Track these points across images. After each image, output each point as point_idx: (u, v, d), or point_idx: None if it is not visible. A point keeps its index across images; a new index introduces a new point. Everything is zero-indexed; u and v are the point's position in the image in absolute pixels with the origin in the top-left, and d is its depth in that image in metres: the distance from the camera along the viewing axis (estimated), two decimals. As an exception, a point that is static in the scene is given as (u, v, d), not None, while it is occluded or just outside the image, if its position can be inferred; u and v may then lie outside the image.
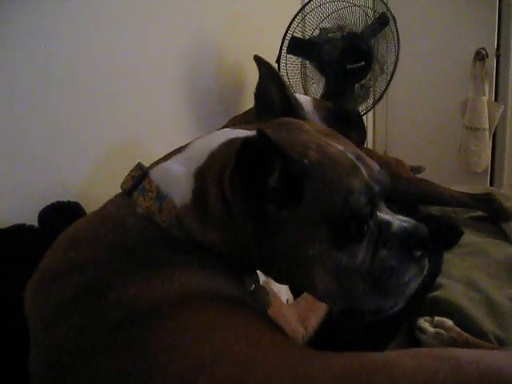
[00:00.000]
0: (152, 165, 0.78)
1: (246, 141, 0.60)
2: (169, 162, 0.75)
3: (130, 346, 0.57)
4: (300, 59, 2.03)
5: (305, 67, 2.07)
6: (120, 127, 1.77)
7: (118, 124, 1.76)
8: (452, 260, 1.19)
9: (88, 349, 0.58)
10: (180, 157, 0.75)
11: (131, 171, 0.78)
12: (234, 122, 1.48)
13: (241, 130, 0.75)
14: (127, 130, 1.80)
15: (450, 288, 1.04)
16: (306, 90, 2.09)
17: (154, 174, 0.74)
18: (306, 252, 0.67)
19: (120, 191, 0.80)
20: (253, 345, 0.58)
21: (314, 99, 1.53)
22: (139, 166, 0.78)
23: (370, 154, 1.74)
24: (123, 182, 0.78)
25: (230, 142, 0.71)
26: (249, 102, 1.88)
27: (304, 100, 1.50)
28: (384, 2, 2.07)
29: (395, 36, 2.08)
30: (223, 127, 1.52)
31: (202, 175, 0.70)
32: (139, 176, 0.74)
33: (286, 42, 1.90)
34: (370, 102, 2.23)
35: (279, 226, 0.67)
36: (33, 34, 1.46)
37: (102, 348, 0.57)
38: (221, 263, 0.69)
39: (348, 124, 1.48)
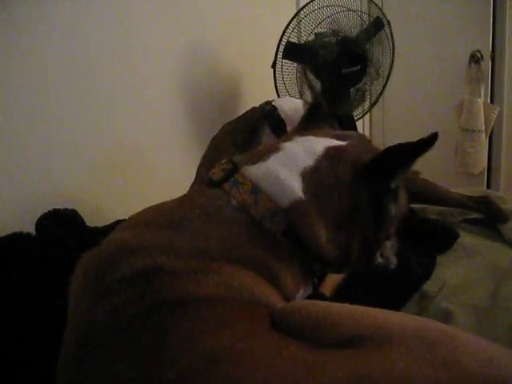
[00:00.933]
0: (241, 162, 0.79)
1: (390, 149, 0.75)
2: (269, 162, 0.77)
3: (152, 333, 0.58)
4: (295, 64, 2.04)
5: (300, 72, 2.08)
6: (117, 135, 1.78)
7: (115, 131, 1.76)
8: (446, 263, 1.19)
9: (117, 330, 0.59)
10: (278, 158, 0.78)
11: (222, 164, 0.80)
12: (225, 130, 1.48)
13: (330, 139, 0.82)
14: (124, 138, 1.81)
15: (441, 293, 1.04)
16: (302, 94, 2.10)
17: (249, 170, 0.76)
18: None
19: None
20: (258, 344, 0.58)
21: (304, 103, 1.54)
22: (229, 160, 0.80)
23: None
24: (213, 173, 0.78)
25: (336, 150, 0.79)
26: (245, 107, 1.89)
27: (296, 103, 1.51)
28: (379, 7, 2.09)
29: (390, 40, 2.09)
30: (216, 136, 1.52)
31: (312, 177, 0.75)
32: (230, 169, 0.77)
33: (282, 47, 1.91)
34: (367, 105, 2.24)
35: (383, 222, 0.80)
36: (30, 40, 1.47)
37: (127, 332, 0.59)
38: (294, 262, 0.74)
39: (341, 126, 1.48)
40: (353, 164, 0.77)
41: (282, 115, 1.42)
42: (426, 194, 1.56)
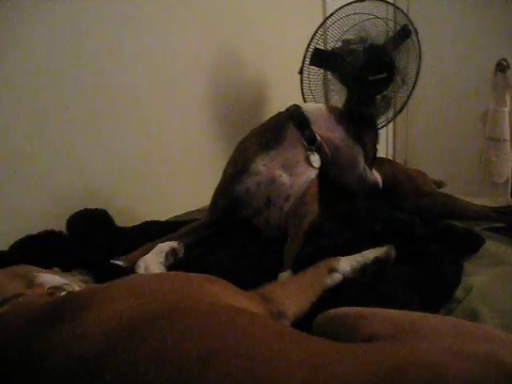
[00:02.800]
0: None
1: None
2: None
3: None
4: (322, 70, 2.06)
5: (327, 78, 2.09)
6: (148, 138, 1.82)
7: (145, 134, 1.80)
8: (472, 270, 1.18)
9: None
10: None
11: None
12: (252, 133, 1.52)
13: None
14: (154, 141, 1.85)
15: (468, 297, 1.04)
16: (328, 100, 2.12)
17: None
18: None
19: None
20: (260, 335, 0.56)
21: (326, 104, 1.57)
22: None
23: (394, 166, 1.76)
24: None
25: None
26: (271, 112, 1.91)
27: (317, 107, 1.53)
28: (406, 15, 2.09)
29: (417, 48, 2.10)
30: (243, 139, 1.55)
31: None
32: None
33: (309, 54, 1.93)
34: (391, 113, 2.25)
35: None
36: (75, 37, 1.52)
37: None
38: None
39: (362, 125, 1.50)
40: None
41: (305, 114, 1.45)
42: (448, 209, 1.56)
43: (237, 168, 1.42)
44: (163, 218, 1.66)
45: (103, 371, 0.51)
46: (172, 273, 0.84)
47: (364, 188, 1.52)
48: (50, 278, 0.83)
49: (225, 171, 1.50)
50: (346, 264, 1.03)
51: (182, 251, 1.29)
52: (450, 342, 0.50)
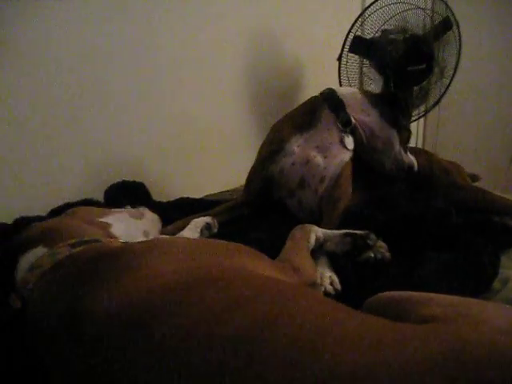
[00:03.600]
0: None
1: None
2: None
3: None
4: (360, 58, 2.05)
5: (364, 66, 2.09)
6: (186, 118, 1.84)
7: (184, 116, 1.83)
8: (507, 264, 1.18)
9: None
10: None
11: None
12: (286, 116, 1.54)
13: None
14: (192, 121, 1.88)
15: (505, 288, 1.04)
16: (364, 88, 2.11)
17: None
18: None
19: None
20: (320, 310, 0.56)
21: (360, 88, 1.58)
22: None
23: (430, 157, 1.75)
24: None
25: None
26: (305, 98, 1.91)
27: (352, 90, 1.55)
28: (448, 6, 2.07)
29: (457, 40, 2.07)
30: (277, 122, 1.56)
31: None
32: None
33: (349, 41, 1.92)
34: (423, 108, 2.23)
35: None
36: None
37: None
38: None
39: (397, 108, 1.51)
40: None
41: (340, 97, 1.46)
42: (482, 204, 1.55)
43: (271, 148, 1.44)
44: (197, 196, 1.68)
45: (147, 327, 0.53)
46: (212, 240, 0.86)
47: (399, 170, 1.53)
48: (121, 231, 0.90)
49: (259, 152, 1.51)
50: (318, 230, 1.10)
51: (217, 226, 1.30)
52: (506, 324, 0.51)
